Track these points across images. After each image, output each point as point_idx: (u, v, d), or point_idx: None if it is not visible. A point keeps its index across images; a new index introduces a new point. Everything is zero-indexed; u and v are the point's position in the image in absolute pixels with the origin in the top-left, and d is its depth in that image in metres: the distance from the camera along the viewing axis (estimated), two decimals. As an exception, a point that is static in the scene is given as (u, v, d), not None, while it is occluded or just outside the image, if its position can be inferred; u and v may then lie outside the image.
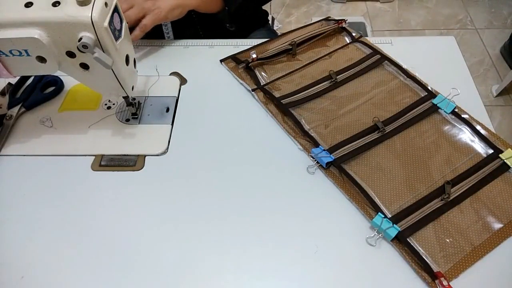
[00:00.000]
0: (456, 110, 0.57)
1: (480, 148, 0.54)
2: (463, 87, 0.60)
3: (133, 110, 0.59)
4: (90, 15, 0.42)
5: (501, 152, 0.52)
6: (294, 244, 0.46)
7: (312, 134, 0.56)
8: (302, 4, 2.04)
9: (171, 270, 0.45)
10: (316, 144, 0.54)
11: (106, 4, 0.44)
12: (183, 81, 0.65)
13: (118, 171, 0.53)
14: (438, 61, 0.67)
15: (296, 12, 2.00)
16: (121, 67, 0.49)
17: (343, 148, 0.53)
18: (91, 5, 0.42)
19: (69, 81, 0.63)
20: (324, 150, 0.53)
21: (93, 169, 0.53)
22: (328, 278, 0.44)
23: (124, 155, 0.55)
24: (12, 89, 0.62)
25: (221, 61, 0.67)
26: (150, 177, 0.53)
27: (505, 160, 0.51)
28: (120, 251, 0.46)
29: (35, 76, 0.63)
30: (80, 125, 0.58)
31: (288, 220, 0.48)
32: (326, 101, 0.60)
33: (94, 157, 0.55)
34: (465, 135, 0.55)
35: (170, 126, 0.58)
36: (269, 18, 0.96)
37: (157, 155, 0.55)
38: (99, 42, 0.44)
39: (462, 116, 0.57)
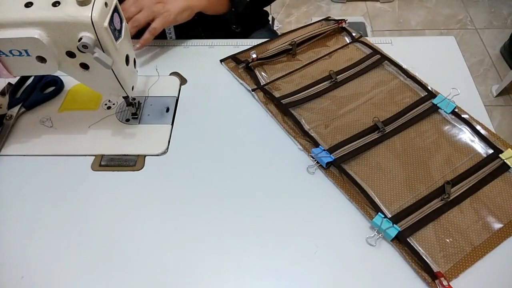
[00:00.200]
0: (456, 110, 0.57)
1: (480, 148, 0.54)
2: (463, 87, 0.60)
3: (133, 110, 0.59)
4: (90, 15, 0.42)
5: (501, 152, 0.52)
6: (294, 244, 0.46)
7: (312, 134, 0.56)
8: (302, 4, 2.04)
9: (171, 270, 0.45)
10: (316, 144, 0.54)
11: (106, 4, 0.44)
12: (183, 81, 0.65)
13: (118, 171, 0.53)
14: (438, 61, 0.66)
15: (296, 12, 2.00)
16: (121, 67, 0.49)
17: (343, 148, 0.53)
18: (91, 5, 0.42)
19: (69, 81, 0.63)
20: (324, 150, 0.53)
21: (93, 169, 0.53)
22: (328, 278, 0.44)
23: (124, 155, 0.55)
24: (12, 89, 0.62)
25: (221, 61, 0.67)
26: (150, 177, 0.53)
27: (505, 160, 0.51)
28: (120, 251, 0.46)
29: (35, 76, 0.63)
30: (80, 125, 0.58)
31: (288, 220, 0.48)
32: (326, 101, 0.60)
33: (94, 157, 0.55)
34: (465, 135, 0.55)
35: (170, 126, 0.58)
36: (269, 18, 0.96)
37: (157, 155, 0.55)
38: (99, 42, 0.44)
39: (462, 116, 0.57)
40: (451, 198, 0.48)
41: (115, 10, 0.46)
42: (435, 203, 0.48)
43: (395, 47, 0.68)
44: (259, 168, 0.53)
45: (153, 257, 0.45)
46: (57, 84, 0.62)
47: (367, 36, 0.81)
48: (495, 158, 0.52)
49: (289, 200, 0.50)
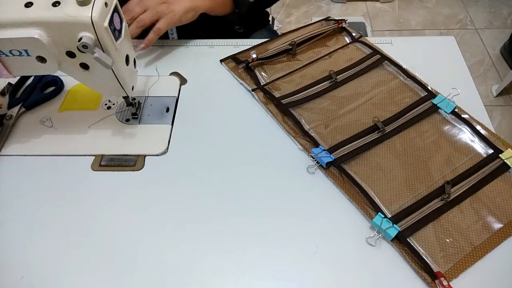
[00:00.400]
0: (456, 110, 0.57)
1: (480, 148, 0.54)
2: (463, 87, 0.60)
3: (133, 110, 0.59)
4: (90, 15, 0.42)
5: (501, 152, 0.52)
6: (294, 244, 0.46)
7: (312, 134, 0.56)
8: (302, 4, 2.04)
9: (171, 270, 0.45)
10: (316, 144, 0.54)
11: (106, 4, 0.44)
12: (183, 81, 0.65)
13: (118, 171, 0.53)
14: (438, 61, 0.66)
15: (296, 12, 2.00)
16: (121, 67, 0.49)
17: (343, 148, 0.53)
18: (91, 5, 0.42)
19: (69, 81, 0.63)
20: (324, 150, 0.53)
21: (93, 169, 0.53)
22: (328, 278, 0.44)
23: (124, 155, 0.55)
24: (12, 89, 0.62)
25: (221, 61, 0.67)
26: (150, 177, 0.53)
27: (505, 160, 0.51)
28: (120, 251, 0.46)
29: (35, 76, 0.63)
30: (80, 125, 0.58)
31: (288, 220, 0.48)
32: (326, 101, 0.60)
33: (94, 157, 0.55)
34: (465, 135, 0.55)
35: (170, 126, 0.58)
36: (269, 18, 0.96)
37: (157, 155, 0.55)
38: (99, 42, 0.44)
39: (462, 116, 0.57)
40: (451, 198, 0.48)
41: (115, 10, 0.46)
42: (435, 203, 0.48)
43: (395, 47, 0.68)
44: (259, 168, 0.53)
45: (153, 257, 0.45)
46: (57, 84, 0.62)
47: (367, 36, 0.81)
48: (495, 158, 0.52)
49: (289, 200, 0.50)
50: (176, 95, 0.62)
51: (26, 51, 0.45)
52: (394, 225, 0.45)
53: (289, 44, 0.67)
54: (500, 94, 1.60)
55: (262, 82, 0.63)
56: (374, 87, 0.62)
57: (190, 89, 0.64)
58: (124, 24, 0.49)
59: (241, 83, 0.64)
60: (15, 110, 0.59)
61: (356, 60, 0.66)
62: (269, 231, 0.47)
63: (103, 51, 0.45)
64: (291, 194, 0.51)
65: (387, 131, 0.55)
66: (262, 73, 0.65)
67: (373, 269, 0.44)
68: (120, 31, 0.48)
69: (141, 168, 0.54)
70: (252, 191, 0.51)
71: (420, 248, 0.45)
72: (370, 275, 0.44)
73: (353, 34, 0.70)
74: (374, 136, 0.55)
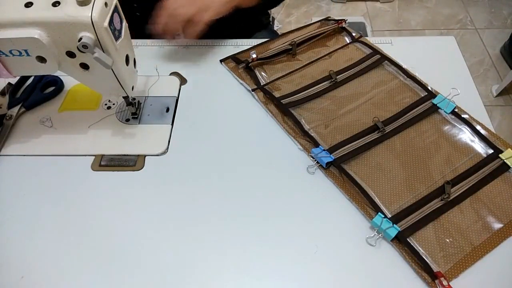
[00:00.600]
0: (456, 110, 0.57)
1: (480, 148, 0.54)
2: (463, 87, 0.60)
3: (133, 110, 0.59)
4: (90, 15, 0.42)
5: (501, 152, 0.52)
6: (294, 244, 0.46)
7: (312, 134, 0.56)
8: (302, 4, 2.04)
9: (171, 270, 0.45)
10: (316, 144, 0.54)
11: (106, 4, 0.44)
12: (183, 81, 0.65)
13: (118, 171, 0.53)
14: (438, 61, 0.66)
15: (296, 12, 2.00)
16: (121, 67, 0.49)
17: (343, 148, 0.53)
18: (91, 5, 0.42)
19: (69, 81, 0.63)
20: (324, 150, 0.53)
21: (93, 169, 0.53)
22: (328, 278, 0.44)
23: (124, 155, 0.55)
24: (12, 89, 0.62)
25: (221, 61, 0.67)
26: (150, 177, 0.53)
27: (505, 160, 0.51)
28: (120, 251, 0.46)
29: (35, 76, 0.63)
30: (80, 125, 0.58)
31: (288, 220, 0.48)
32: (326, 101, 0.60)
33: (94, 157, 0.55)
34: (465, 135, 0.55)
35: (170, 126, 0.58)
36: (270, 18, 0.96)
37: (157, 155, 0.55)
38: (99, 42, 0.44)
39: (462, 116, 0.57)
40: (451, 198, 0.48)
41: (115, 10, 0.46)
42: (435, 203, 0.48)
43: (395, 47, 0.68)
44: (259, 168, 0.53)
45: (153, 257, 0.45)
46: (57, 84, 0.62)
47: (367, 36, 0.81)
48: (495, 158, 0.52)
49: (289, 200, 0.50)
50: (176, 95, 0.62)
51: (26, 51, 0.45)
52: (394, 225, 0.45)
53: (289, 44, 0.67)
54: (500, 94, 1.60)
55: (262, 82, 0.63)
56: (374, 87, 0.62)
57: (190, 89, 0.64)
58: (124, 24, 0.49)
59: (241, 83, 0.64)
60: (15, 110, 0.59)
61: (356, 60, 0.66)
62: (269, 231, 0.47)
63: (103, 51, 0.45)
64: (291, 194, 0.51)
65: (387, 131, 0.55)
66: (262, 73, 0.65)
67: (373, 269, 0.44)
68: (120, 31, 0.48)
69: (141, 168, 0.54)
70: (252, 191, 0.51)
71: (420, 248, 0.45)
72: (370, 275, 0.44)
73: (353, 34, 0.70)
74: (374, 136, 0.55)
